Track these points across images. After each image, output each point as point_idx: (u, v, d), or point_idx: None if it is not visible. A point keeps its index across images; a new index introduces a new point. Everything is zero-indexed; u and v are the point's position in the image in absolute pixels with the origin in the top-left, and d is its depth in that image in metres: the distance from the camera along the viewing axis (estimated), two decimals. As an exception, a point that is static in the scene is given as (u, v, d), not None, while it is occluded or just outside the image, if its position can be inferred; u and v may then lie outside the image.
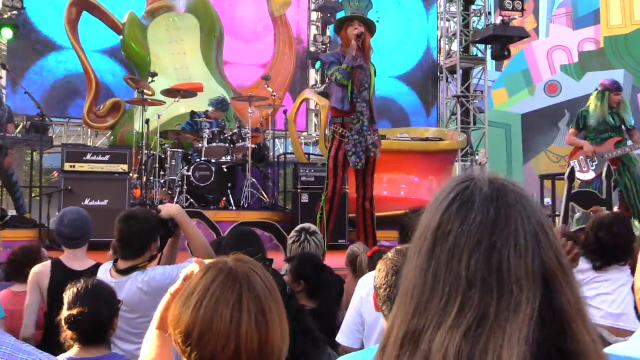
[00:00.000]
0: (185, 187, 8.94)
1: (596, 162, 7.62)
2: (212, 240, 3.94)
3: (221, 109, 9.68)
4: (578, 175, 7.76)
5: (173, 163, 9.27)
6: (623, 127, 7.75)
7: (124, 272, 3.21)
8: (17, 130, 11.12)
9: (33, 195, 10.17)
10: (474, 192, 1.06)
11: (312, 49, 15.84)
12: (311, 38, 15.94)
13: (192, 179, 8.94)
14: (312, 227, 4.46)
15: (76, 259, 3.84)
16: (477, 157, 10.46)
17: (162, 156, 9.26)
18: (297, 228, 4.45)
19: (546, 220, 1.07)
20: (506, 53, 13.49)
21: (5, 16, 12.40)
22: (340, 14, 15.30)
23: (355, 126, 5.79)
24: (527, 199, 1.07)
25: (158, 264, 3.32)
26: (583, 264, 3.31)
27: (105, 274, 3.28)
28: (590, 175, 7.63)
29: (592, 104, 7.72)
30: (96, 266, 3.76)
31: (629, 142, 7.78)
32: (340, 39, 6.06)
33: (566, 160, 17.22)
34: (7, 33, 12.29)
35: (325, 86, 13.90)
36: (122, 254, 3.26)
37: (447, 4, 15.37)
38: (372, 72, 5.96)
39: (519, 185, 1.09)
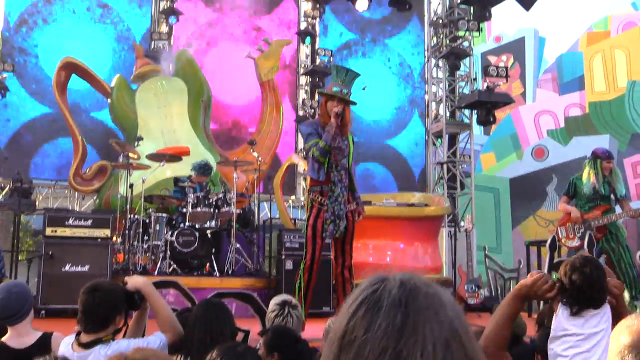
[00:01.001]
0: (169, 252, 8.87)
1: (582, 230, 7.63)
2: (182, 310, 3.86)
3: (204, 173, 9.66)
4: (565, 242, 7.77)
5: (157, 228, 9.20)
6: (612, 196, 7.78)
7: (87, 345, 3.12)
8: (3, 193, 11.10)
9: (20, 258, 10.07)
10: (382, 295, 1.00)
11: (300, 112, 15.91)
12: (300, 102, 16.04)
13: (175, 244, 8.88)
14: (293, 300, 4.37)
15: (20, 336, 3.62)
16: (462, 223, 10.41)
17: (147, 221, 9.20)
18: (277, 301, 4.34)
19: (462, 325, 1.00)
20: (491, 119, 13.61)
21: None
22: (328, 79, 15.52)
23: (333, 195, 5.76)
24: (442, 301, 1.01)
25: (123, 337, 3.23)
26: (562, 311, 3.28)
27: (67, 347, 3.18)
28: (576, 242, 7.64)
29: (585, 172, 7.79)
30: (43, 337, 3.63)
31: (618, 211, 7.80)
32: (319, 107, 6.06)
33: (555, 225, 17.28)
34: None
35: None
36: (85, 327, 3.16)
37: (434, 69, 15.58)
38: (351, 141, 5.95)
39: (434, 287, 1.03)
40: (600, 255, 7.64)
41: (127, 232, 9.09)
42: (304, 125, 6.16)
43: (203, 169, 9.70)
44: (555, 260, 6.85)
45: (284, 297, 4.43)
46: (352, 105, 5.94)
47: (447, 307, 1.00)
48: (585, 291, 3.20)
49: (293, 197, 15.84)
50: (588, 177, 7.67)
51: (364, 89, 6.16)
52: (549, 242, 6.97)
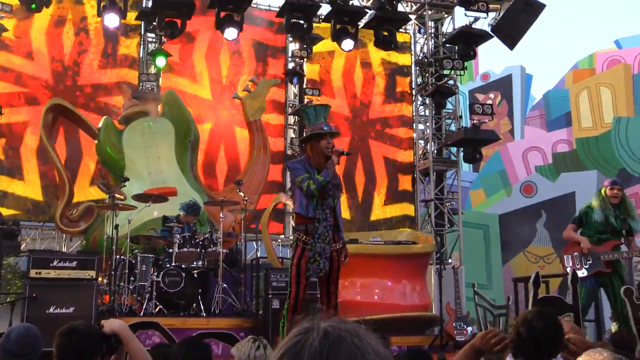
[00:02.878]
0: (155, 293, 8.83)
1: (590, 262, 7.49)
2: (156, 344, 3.84)
3: (192, 213, 9.71)
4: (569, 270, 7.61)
5: (143, 268, 9.20)
6: (624, 232, 7.65)
7: (63, 389, 3.09)
8: (-11, 236, 11.05)
9: (9, 300, 9.99)
10: (304, 347, 1.00)
11: (289, 152, 15.95)
12: (288, 141, 16.08)
13: (161, 284, 8.86)
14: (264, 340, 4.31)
15: None
16: (450, 260, 10.41)
17: (133, 261, 9.19)
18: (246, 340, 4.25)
19: None
20: (478, 156, 13.68)
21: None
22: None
23: (316, 233, 5.76)
24: (364, 353, 1.00)
25: (100, 380, 3.21)
26: None
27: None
28: (582, 273, 7.47)
29: (594, 201, 7.69)
30: None
31: (623, 248, 7.67)
32: (306, 147, 6.02)
33: (545, 261, 17.30)
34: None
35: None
36: (60, 371, 3.14)
37: (420, 107, 15.70)
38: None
39: (362, 338, 1.02)
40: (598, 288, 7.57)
41: (113, 273, 9.06)
42: (292, 162, 6.21)
43: (192, 208, 9.75)
44: (539, 296, 6.82)
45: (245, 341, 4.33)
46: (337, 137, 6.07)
47: (369, 357, 1.00)
48: (530, 344, 3.25)
49: (282, 235, 15.80)
50: (597, 206, 7.57)
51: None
52: (532, 278, 6.93)
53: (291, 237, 16.35)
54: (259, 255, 11.22)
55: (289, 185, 15.66)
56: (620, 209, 7.61)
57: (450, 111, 15.14)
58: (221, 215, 9.54)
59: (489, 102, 21.73)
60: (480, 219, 18.02)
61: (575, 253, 7.61)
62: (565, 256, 7.73)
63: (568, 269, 7.54)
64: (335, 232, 5.97)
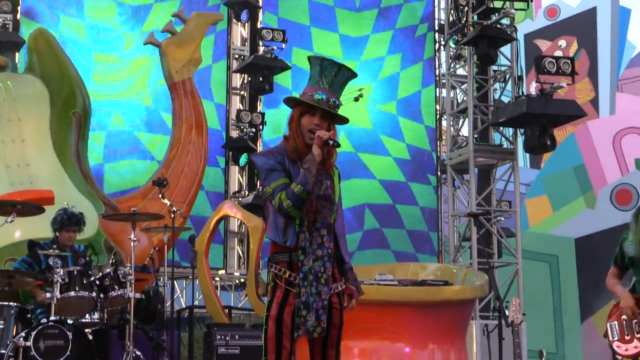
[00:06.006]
0: (22, 367, 8.84)
1: None
2: None
3: (70, 224, 9.73)
4: (616, 347, 7.67)
5: (0, 325, 9.19)
6: None
7: None
8: None
9: None
10: None
11: (233, 134, 15.93)
12: (232, 116, 16.05)
13: (32, 352, 8.84)
14: None
15: None
16: (507, 312, 10.47)
17: (-18, 314, 9.20)
18: None
19: None
20: (549, 142, 13.65)
21: None
22: (284, 80, 15.69)
23: (304, 268, 5.69)
24: None
25: None
26: None
27: None
28: (633, 347, 7.52)
29: (630, 226, 7.75)
30: None
31: None
32: (288, 123, 5.94)
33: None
34: None
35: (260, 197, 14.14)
36: None
37: (452, 63, 15.65)
38: (336, 180, 5.93)
39: None
40: None
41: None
42: (259, 156, 6.08)
43: (66, 220, 9.75)
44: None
45: None
46: (341, 124, 5.93)
47: None
48: None
49: (222, 271, 15.91)
50: (633, 234, 7.61)
51: (357, 99, 6.08)
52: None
53: (235, 274, 16.42)
54: (186, 303, 11.28)
55: (233, 187, 15.77)
56: None
57: (504, 69, 15.20)
58: (132, 237, 9.54)
59: (559, 53, 21.94)
60: (544, 245, 18.16)
61: (623, 317, 7.62)
62: (609, 324, 7.79)
63: (615, 345, 7.64)
64: (336, 264, 5.96)
